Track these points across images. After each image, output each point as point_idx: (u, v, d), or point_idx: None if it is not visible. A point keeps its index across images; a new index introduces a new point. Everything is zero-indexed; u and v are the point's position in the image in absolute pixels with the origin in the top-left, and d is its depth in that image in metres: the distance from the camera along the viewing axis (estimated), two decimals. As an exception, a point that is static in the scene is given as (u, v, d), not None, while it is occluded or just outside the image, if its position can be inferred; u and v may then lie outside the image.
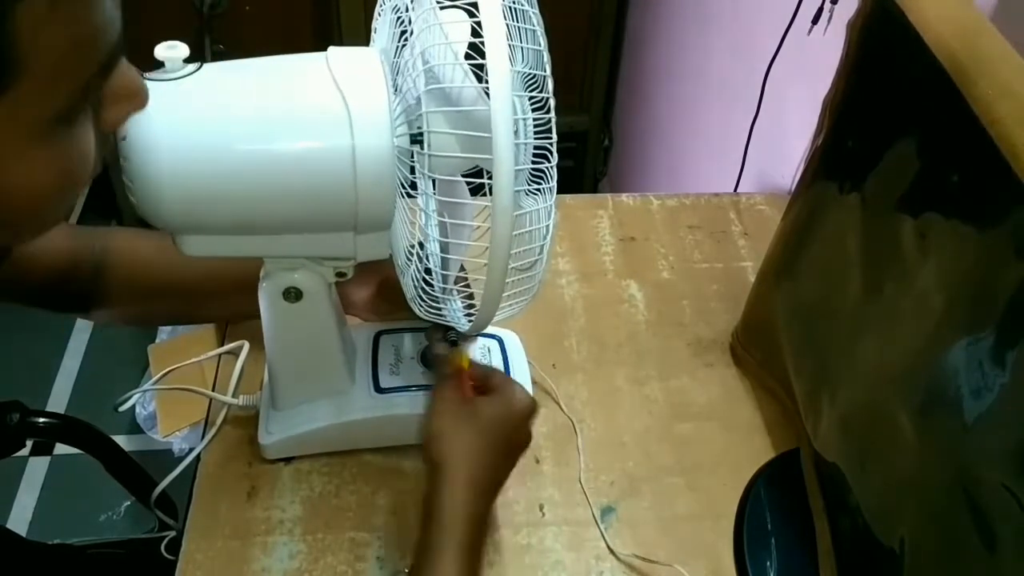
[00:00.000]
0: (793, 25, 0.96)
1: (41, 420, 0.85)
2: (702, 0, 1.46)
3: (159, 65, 0.52)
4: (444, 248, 0.57)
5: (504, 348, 0.79)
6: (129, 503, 1.65)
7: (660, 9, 1.73)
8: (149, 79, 0.52)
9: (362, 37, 1.87)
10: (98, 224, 2.35)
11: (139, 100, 0.42)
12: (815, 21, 0.93)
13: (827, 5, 0.91)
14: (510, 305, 0.57)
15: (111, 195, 2.17)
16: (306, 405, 0.73)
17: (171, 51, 0.51)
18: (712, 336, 0.88)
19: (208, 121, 0.52)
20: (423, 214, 0.54)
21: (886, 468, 0.58)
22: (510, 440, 0.62)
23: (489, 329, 0.80)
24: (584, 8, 1.97)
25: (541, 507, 0.73)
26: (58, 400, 1.87)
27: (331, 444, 0.75)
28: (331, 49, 0.55)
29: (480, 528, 0.59)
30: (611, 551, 0.70)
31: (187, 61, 0.53)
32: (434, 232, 0.57)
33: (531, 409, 0.64)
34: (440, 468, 0.59)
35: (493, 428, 0.61)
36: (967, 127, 0.46)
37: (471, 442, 0.60)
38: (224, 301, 0.76)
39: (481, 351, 0.78)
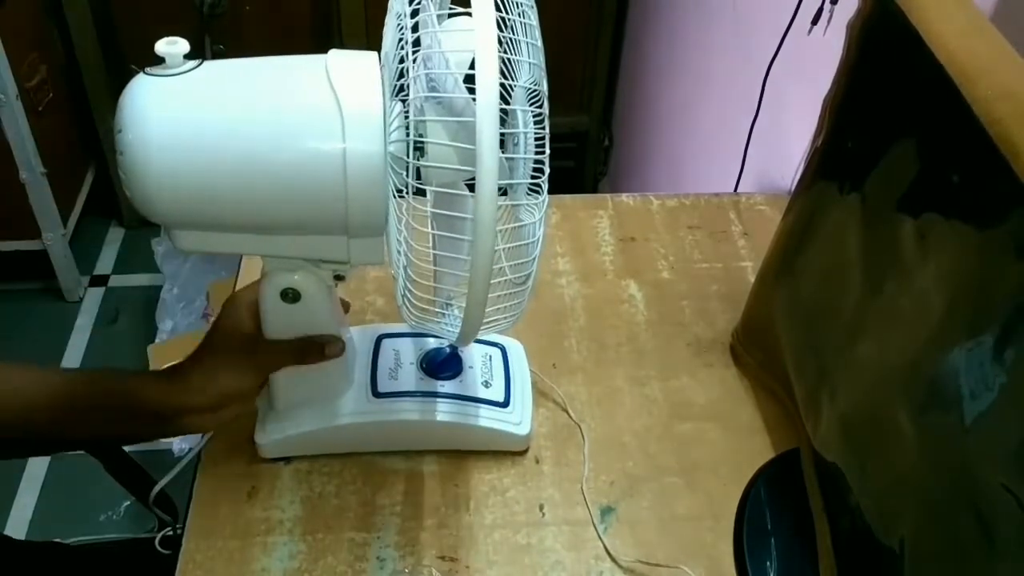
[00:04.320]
0: (793, 25, 0.96)
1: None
2: (702, 0, 1.46)
3: (160, 61, 0.52)
4: (436, 261, 0.57)
5: (506, 357, 0.79)
6: (129, 503, 1.65)
7: (660, 9, 1.73)
8: (149, 74, 0.52)
9: (362, 37, 1.88)
10: (99, 225, 2.36)
11: None
12: (815, 21, 0.93)
13: (827, 5, 0.91)
14: (504, 318, 0.57)
15: (112, 195, 2.17)
16: (304, 406, 0.73)
17: (171, 47, 0.52)
18: (712, 336, 0.88)
19: (202, 118, 0.52)
20: (407, 224, 0.54)
21: (886, 468, 0.58)
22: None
23: (492, 337, 0.80)
24: (584, 8, 1.97)
25: (541, 507, 0.73)
26: (58, 400, 1.86)
27: (327, 446, 0.75)
28: (331, 52, 0.55)
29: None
30: (610, 556, 0.70)
31: (188, 58, 0.53)
32: (414, 243, 0.56)
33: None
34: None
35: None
36: (967, 127, 0.46)
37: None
38: (65, 426, 0.67)
39: (483, 359, 0.78)
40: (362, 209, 0.54)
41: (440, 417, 0.73)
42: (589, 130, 2.18)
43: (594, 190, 2.29)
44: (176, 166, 0.52)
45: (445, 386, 0.75)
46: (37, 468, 1.72)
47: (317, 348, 0.67)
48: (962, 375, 0.48)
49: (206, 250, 0.58)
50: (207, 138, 0.52)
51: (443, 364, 0.76)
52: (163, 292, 1.95)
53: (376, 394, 0.73)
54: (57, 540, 0.99)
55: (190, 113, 0.52)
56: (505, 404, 0.75)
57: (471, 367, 0.77)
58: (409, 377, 0.75)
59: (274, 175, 0.53)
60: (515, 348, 0.80)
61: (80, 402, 0.66)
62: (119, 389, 0.66)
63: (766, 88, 1.04)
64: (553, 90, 0.55)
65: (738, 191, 1.13)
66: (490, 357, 0.78)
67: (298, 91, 0.54)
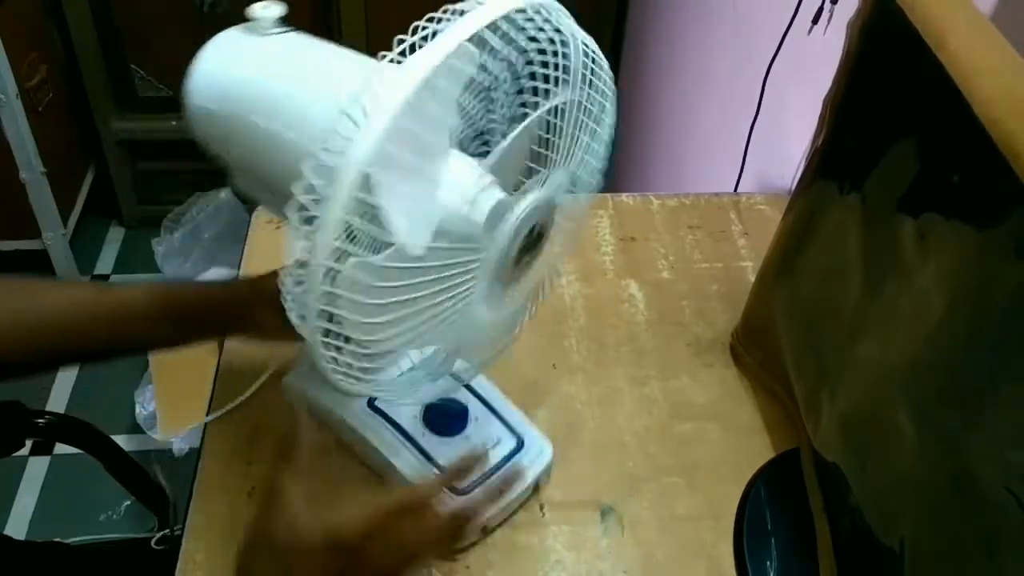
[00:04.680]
0: (793, 25, 0.96)
1: (41, 420, 0.86)
2: (702, 0, 1.46)
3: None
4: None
5: (518, 450, 0.71)
6: (129, 503, 1.65)
7: (660, 9, 1.73)
8: (236, 29, 0.61)
9: (362, 38, 1.87)
10: (99, 225, 2.35)
11: None
12: (815, 21, 0.93)
13: (827, 5, 0.91)
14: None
15: (112, 195, 2.17)
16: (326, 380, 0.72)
17: (265, 11, 0.59)
18: (712, 336, 0.88)
19: (240, 75, 0.59)
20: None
21: (886, 468, 0.58)
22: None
23: (520, 425, 0.73)
24: (584, 8, 1.96)
25: (541, 507, 0.73)
26: (58, 400, 1.86)
27: (324, 422, 0.73)
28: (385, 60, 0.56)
29: None
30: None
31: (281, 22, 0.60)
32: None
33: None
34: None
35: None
36: (967, 127, 0.46)
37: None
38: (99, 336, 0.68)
39: (487, 439, 0.71)
40: None
41: (395, 459, 0.69)
42: (589, 130, 2.18)
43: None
44: (208, 105, 0.59)
45: (426, 437, 0.71)
46: (37, 468, 1.72)
47: None
48: (962, 375, 0.48)
49: (254, 198, 0.63)
50: (240, 90, 0.58)
51: (441, 417, 0.72)
52: (163, 292, 1.94)
53: (371, 404, 0.73)
54: (57, 540, 0.99)
55: (234, 67, 0.59)
56: (462, 493, 0.65)
57: (467, 437, 0.71)
58: (408, 411, 0.72)
59: (269, 149, 0.56)
60: (536, 447, 0.72)
61: (159, 310, 0.67)
62: (190, 292, 0.71)
63: (766, 88, 1.04)
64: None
65: (738, 191, 1.13)
66: (498, 441, 0.71)
67: (326, 89, 0.56)
